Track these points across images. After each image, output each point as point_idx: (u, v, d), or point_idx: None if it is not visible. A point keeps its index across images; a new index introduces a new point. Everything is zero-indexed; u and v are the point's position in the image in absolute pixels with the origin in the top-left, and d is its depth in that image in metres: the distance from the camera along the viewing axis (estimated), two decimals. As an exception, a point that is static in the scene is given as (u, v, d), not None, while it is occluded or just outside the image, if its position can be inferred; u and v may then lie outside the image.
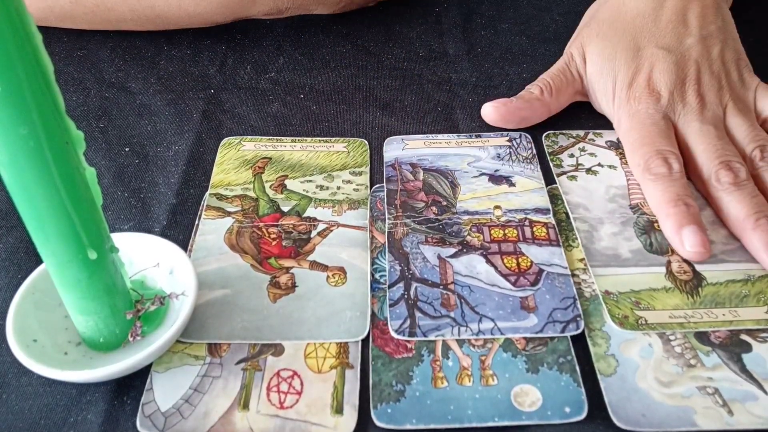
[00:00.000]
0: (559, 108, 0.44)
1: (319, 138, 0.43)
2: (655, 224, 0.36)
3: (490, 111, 0.42)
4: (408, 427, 0.27)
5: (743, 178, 0.36)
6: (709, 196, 0.37)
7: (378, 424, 0.28)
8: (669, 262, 0.34)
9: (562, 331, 0.31)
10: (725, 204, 0.36)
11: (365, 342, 0.31)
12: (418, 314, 0.31)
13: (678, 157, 0.37)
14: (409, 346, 0.31)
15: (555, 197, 0.38)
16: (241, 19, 0.50)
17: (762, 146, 0.38)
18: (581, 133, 0.43)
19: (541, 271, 0.34)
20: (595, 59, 0.42)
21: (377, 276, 0.34)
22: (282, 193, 0.39)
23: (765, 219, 0.34)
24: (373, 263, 0.34)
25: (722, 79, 0.40)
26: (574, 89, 0.44)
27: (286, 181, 0.39)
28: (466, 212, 0.37)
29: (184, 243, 0.35)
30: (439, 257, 0.34)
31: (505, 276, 0.33)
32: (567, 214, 0.37)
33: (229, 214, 0.37)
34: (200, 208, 0.38)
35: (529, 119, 0.43)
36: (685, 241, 0.34)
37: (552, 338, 0.31)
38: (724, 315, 0.31)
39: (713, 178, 0.36)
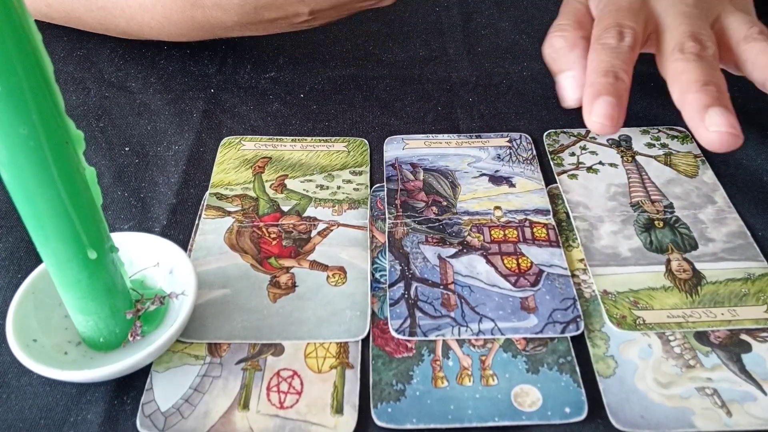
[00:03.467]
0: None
1: (319, 138, 0.43)
2: (656, 222, 0.36)
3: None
4: (408, 426, 0.27)
5: (710, 54, 0.33)
6: (666, 68, 0.34)
7: (378, 423, 0.28)
8: (668, 261, 0.34)
9: (562, 332, 0.31)
10: (680, 69, 0.32)
11: (365, 342, 0.31)
12: (418, 314, 0.32)
13: (636, 34, 0.34)
14: (409, 345, 0.31)
15: (555, 197, 0.38)
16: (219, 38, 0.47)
17: (763, 29, 0.35)
18: (582, 131, 0.43)
19: (541, 271, 0.34)
20: None
21: (377, 276, 0.34)
22: (282, 192, 0.39)
23: (714, 87, 0.31)
24: (373, 263, 0.34)
25: None
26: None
27: (286, 181, 0.39)
28: (467, 212, 0.37)
29: (184, 243, 0.35)
30: (440, 257, 0.34)
31: (505, 276, 0.33)
32: (567, 213, 0.37)
33: (229, 213, 0.37)
34: (200, 208, 0.38)
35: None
36: (594, 109, 0.32)
37: (552, 339, 0.31)
38: (722, 314, 0.31)
39: (677, 48, 0.33)
